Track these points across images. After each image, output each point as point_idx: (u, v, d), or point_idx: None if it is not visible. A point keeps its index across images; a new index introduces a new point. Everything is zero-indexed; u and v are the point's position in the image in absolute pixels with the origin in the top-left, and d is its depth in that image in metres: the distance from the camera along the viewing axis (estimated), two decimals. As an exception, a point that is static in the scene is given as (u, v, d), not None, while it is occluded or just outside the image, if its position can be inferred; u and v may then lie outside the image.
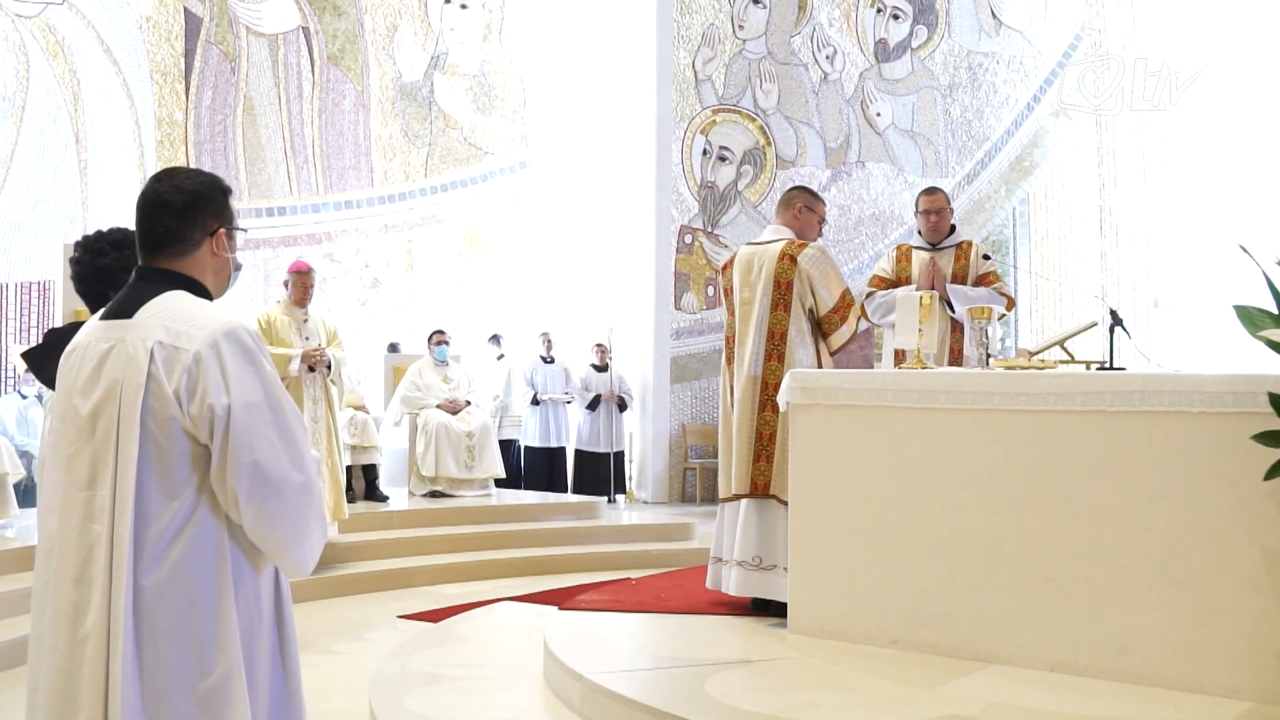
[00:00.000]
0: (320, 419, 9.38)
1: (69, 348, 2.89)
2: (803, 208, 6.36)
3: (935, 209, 7.10)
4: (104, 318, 2.85)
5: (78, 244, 3.77)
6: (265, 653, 2.79)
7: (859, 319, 6.36)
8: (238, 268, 3.00)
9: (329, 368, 9.42)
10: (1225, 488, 4.63)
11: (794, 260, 6.11)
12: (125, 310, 2.80)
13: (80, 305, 3.76)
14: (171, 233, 2.84)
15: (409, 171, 14.81)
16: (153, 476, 2.68)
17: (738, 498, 6.12)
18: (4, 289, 12.38)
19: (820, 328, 6.19)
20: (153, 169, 13.15)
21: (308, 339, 9.49)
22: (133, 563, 2.64)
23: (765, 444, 6.05)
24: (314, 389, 9.40)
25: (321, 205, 14.31)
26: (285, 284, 9.68)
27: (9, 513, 8.93)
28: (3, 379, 12.60)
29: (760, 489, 6.03)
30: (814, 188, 10.28)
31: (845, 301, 6.17)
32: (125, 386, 2.71)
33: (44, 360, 3.59)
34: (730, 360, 6.31)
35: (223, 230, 2.89)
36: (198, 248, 2.86)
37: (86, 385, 2.77)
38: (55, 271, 11.12)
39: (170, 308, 2.77)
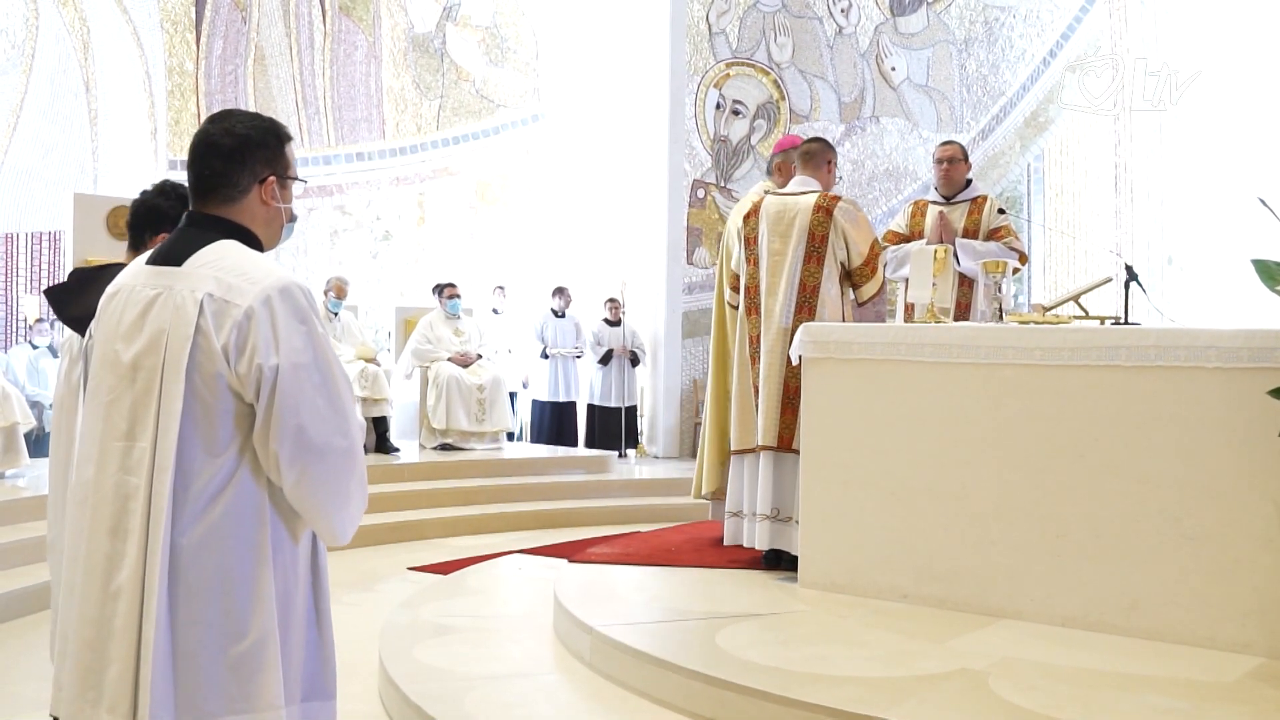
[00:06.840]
0: None
1: (111, 289, 2.80)
2: (831, 164, 6.46)
3: (947, 157, 7.13)
4: (151, 262, 2.77)
5: (154, 183, 3.79)
6: (300, 620, 2.74)
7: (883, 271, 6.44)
8: (292, 218, 2.89)
9: None
10: (1240, 443, 4.62)
11: (829, 213, 6.13)
12: (174, 257, 2.71)
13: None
14: (218, 176, 2.75)
15: (420, 124, 14.73)
16: (195, 433, 2.61)
17: (758, 450, 6.12)
18: (15, 239, 12.36)
19: (850, 279, 6.23)
20: (163, 119, 13.10)
21: None
22: (170, 520, 2.59)
23: (791, 397, 6.03)
24: None
25: (333, 157, 14.24)
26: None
27: (20, 463, 8.96)
28: (14, 329, 12.60)
29: (785, 443, 6.04)
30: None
31: (875, 253, 6.23)
32: (171, 337, 2.63)
33: (66, 300, 3.54)
34: (751, 310, 6.29)
35: (273, 178, 2.79)
36: (245, 194, 2.77)
37: (129, 331, 2.70)
38: (65, 221, 11.08)
39: (221, 258, 2.68)
